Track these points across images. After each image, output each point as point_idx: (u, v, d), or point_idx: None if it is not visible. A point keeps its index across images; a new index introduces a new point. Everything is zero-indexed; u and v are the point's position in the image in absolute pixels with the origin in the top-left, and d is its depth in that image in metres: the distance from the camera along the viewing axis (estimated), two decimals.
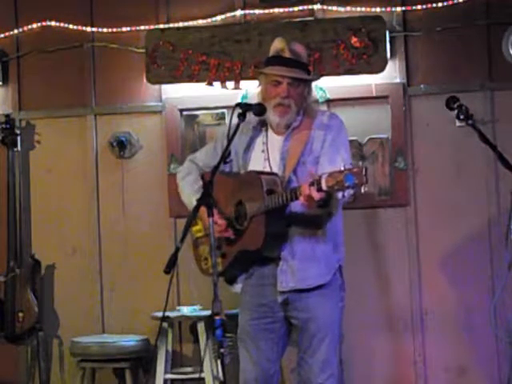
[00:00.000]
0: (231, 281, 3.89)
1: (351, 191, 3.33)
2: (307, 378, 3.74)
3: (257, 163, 3.79)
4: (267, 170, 3.75)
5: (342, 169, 3.28)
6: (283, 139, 3.79)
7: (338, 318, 3.80)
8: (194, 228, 3.97)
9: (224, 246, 3.80)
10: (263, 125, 3.85)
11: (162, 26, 5.74)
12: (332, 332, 3.75)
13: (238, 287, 3.88)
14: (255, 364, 3.77)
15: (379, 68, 5.46)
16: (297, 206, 3.61)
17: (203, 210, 3.49)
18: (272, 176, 3.69)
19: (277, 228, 3.66)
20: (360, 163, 3.23)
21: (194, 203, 3.78)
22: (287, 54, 3.75)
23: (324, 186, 3.32)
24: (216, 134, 4.17)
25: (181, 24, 5.72)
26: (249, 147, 3.85)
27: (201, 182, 3.93)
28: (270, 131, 3.84)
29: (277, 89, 3.73)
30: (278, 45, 3.80)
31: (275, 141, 3.81)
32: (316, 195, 3.37)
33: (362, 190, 3.27)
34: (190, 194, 3.92)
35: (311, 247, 3.72)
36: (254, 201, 3.65)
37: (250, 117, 3.73)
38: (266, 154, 3.79)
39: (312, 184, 3.37)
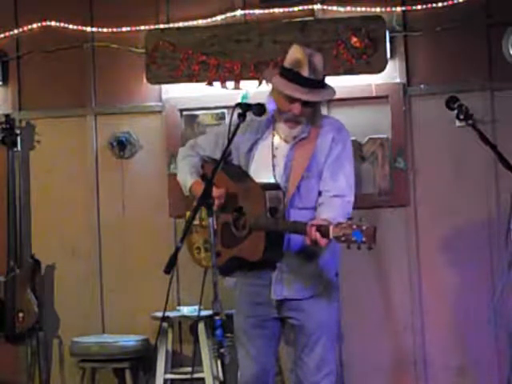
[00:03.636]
0: (226, 273, 3.82)
1: (356, 246, 3.32)
2: (304, 377, 3.73)
3: (263, 166, 3.70)
4: (271, 175, 3.68)
5: (351, 223, 3.29)
6: (289, 148, 3.70)
7: (334, 317, 3.80)
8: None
9: (220, 246, 3.71)
10: (272, 127, 3.75)
11: (162, 26, 5.74)
12: (329, 331, 3.75)
13: (231, 281, 3.83)
14: (253, 360, 3.76)
15: (379, 68, 5.46)
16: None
17: (198, 189, 3.56)
18: (276, 191, 3.62)
19: (275, 247, 3.61)
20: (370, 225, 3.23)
21: (189, 182, 3.79)
22: (306, 71, 3.57)
23: (331, 235, 3.34)
24: (218, 128, 4.07)
25: (181, 24, 5.73)
26: (253, 147, 3.76)
27: (201, 170, 3.86)
28: (276, 136, 3.74)
29: (290, 105, 3.62)
30: (297, 55, 3.61)
31: (282, 148, 3.72)
32: (322, 241, 3.37)
33: (368, 249, 3.29)
34: (186, 173, 3.85)
35: (309, 261, 3.69)
36: (256, 215, 3.59)
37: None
38: (275, 160, 3.71)
39: (319, 229, 3.37)
